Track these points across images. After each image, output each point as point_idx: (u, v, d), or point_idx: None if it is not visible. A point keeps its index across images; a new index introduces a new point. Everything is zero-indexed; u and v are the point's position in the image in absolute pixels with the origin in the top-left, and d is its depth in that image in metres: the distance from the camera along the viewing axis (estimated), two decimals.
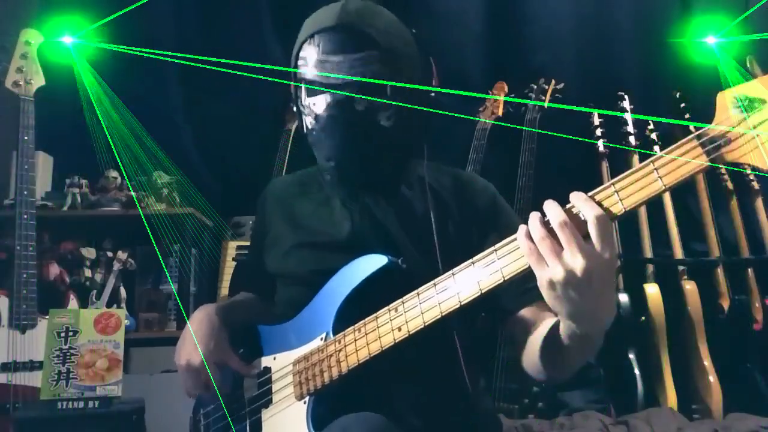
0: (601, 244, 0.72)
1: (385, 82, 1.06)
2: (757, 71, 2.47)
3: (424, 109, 1.12)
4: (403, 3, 1.20)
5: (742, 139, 0.69)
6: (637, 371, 2.20)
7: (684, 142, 0.71)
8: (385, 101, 1.07)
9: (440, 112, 1.11)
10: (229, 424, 1.12)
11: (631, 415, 1.98)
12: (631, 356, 2.23)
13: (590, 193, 0.76)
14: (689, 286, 2.31)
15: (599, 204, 0.74)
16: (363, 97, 1.06)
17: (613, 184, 0.75)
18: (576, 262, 0.72)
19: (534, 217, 0.77)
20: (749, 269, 2.39)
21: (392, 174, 1.16)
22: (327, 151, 1.10)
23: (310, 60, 1.08)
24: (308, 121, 1.12)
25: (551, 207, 0.76)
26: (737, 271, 2.40)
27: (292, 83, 1.15)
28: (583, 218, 0.74)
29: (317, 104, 1.09)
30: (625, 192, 0.73)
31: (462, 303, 0.85)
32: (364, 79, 1.05)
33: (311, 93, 1.10)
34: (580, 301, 0.75)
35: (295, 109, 1.20)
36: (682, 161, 0.71)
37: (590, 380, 2.14)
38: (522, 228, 0.78)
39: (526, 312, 1.04)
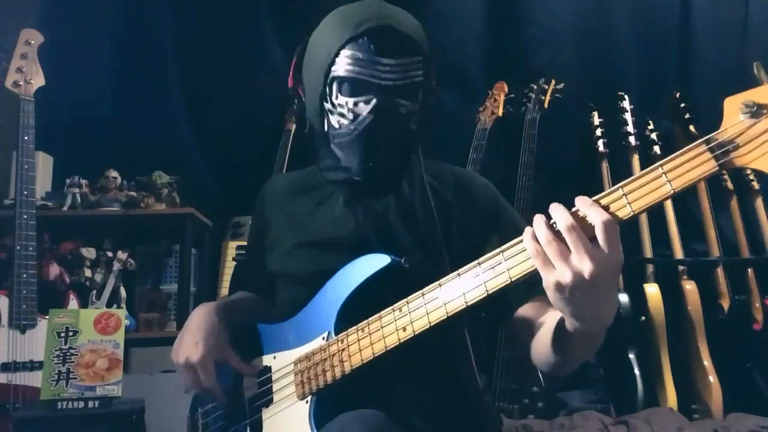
0: (609, 249, 0.72)
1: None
2: (764, 77, 2.46)
3: None
4: (404, 2, 1.20)
5: (750, 145, 0.69)
6: (637, 371, 2.20)
7: (692, 146, 0.72)
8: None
9: None
10: (228, 423, 1.12)
11: (631, 415, 1.99)
12: (631, 356, 2.23)
13: (599, 195, 0.75)
14: (689, 286, 2.31)
15: (606, 208, 0.74)
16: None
17: (621, 187, 0.74)
18: (584, 265, 0.72)
19: (539, 220, 0.76)
20: (749, 269, 2.40)
21: (396, 173, 1.16)
22: (365, 152, 1.08)
23: (356, 59, 1.05)
24: (338, 121, 1.09)
25: (557, 210, 0.76)
26: (737, 271, 2.41)
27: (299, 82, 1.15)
28: (590, 222, 0.74)
29: (359, 105, 1.07)
30: (634, 195, 0.73)
31: (468, 303, 0.85)
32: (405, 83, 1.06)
33: (350, 93, 1.07)
34: (584, 303, 0.75)
35: (295, 105, 1.19)
36: (691, 165, 0.71)
37: (590, 380, 2.14)
38: (528, 230, 0.78)
39: (528, 308, 1.04)
